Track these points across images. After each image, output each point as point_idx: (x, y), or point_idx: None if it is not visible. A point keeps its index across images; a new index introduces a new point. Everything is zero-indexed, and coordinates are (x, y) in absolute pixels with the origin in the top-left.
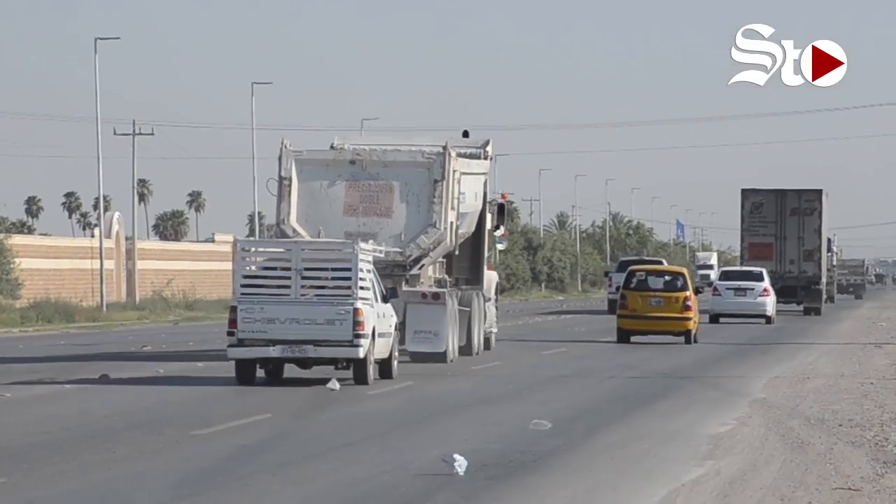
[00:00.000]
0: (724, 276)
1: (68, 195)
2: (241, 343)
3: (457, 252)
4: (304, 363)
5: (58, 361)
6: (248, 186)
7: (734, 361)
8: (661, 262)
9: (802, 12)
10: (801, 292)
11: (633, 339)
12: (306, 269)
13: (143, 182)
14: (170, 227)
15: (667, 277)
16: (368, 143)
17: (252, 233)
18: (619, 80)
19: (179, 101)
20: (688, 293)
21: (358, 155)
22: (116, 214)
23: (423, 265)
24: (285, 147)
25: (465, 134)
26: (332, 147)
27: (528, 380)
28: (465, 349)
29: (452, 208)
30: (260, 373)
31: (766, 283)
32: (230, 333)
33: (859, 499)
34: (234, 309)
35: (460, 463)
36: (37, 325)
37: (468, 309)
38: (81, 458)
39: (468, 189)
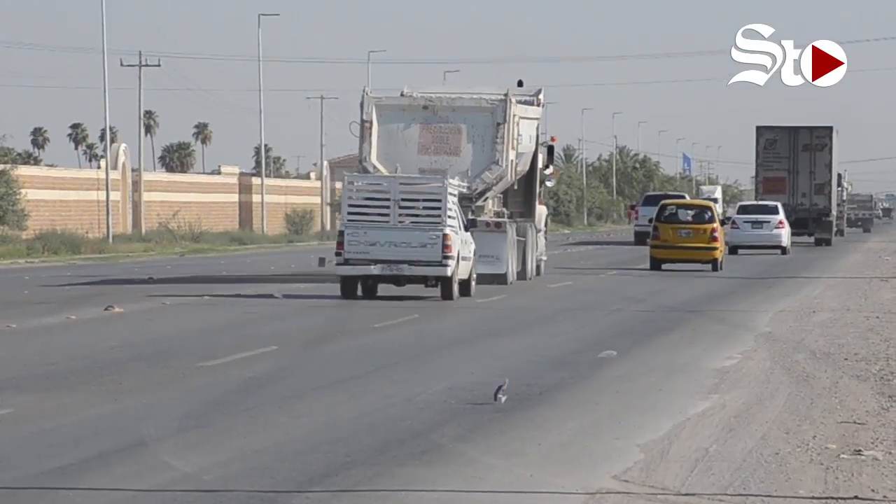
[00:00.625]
0: (742, 209)
1: (74, 126)
2: (346, 262)
3: (515, 187)
4: (398, 281)
5: (63, 292)
6: (255, 119)
7: (741, 295)
8: (683, 197)
9: (802, 12)
10: (812, 224)
11: (664, 266)
12: (403, 199)
13: (149, 114)
14: (176, 159)
15: (695, 211)
16: (436, 91)
17: (258, 165)
18: (627, 12)
19: (186, 32)
20: (715, 225)
21: (430, 101)
22: (123, 146)
23: (486, 198)
24: (366, 94)
25: (520, 83)
26: (401, 95)
27: (537, 314)
28: (521, 274)
29: (512, 148)
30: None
31: (782, 216)
32: (338, 254)
33: (864, 432)
34: (341, 233)
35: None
36: (43, 256)
37: (523, 238)
38: (88, 389)
39: (524, 132)
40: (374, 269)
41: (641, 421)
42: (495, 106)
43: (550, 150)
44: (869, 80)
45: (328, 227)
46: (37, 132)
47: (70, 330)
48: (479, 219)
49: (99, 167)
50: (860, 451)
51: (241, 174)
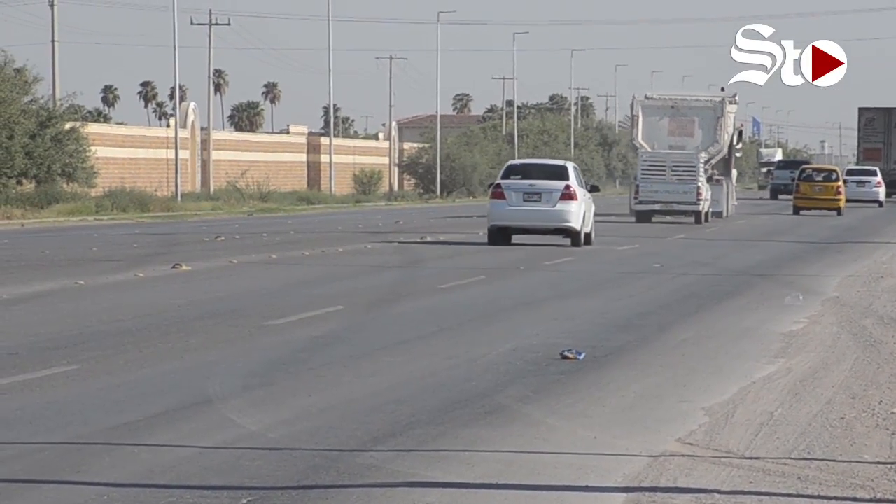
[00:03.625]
0: (848, 173)
1: (144, 84)
2: (640, 203)
3: (725, 157)
4: (669, 214)
5: (131, 250)
6: (324, 78)
7: (809, 260)
8: (808, 164)
9: (802, 12)
10: None
11: (801, 212)
12: (674, 165)
13: (218, 73)
14: (245, 118)
15: (826, 173)
16: (677, 94)
17: (326, 125)
18: None
19: None
20: (839, 183)
21: (675, 102)
22: (192, 105)
23: (710, 164)
24: (635, 97)
25: (723, 89)
26: (645, 97)
27: (602, 275)
28: (718, 214)
29: (725, 132)
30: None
31: (879, 178)
32: (635, 199)
33: None
34: (636, 187)
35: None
36: (111, 213)
37: (726, 190)
38: (154, 346)
39: (729, 121)
40: (657, 207)
41: (706, 384)
42: (716, 104)
43: (740, 133)
44: None
45: (396, 187)
46: (107, 90)
47: (137, 287)
48: (712, 176)
49: (168, 125)
50: None
51: (310, 134)
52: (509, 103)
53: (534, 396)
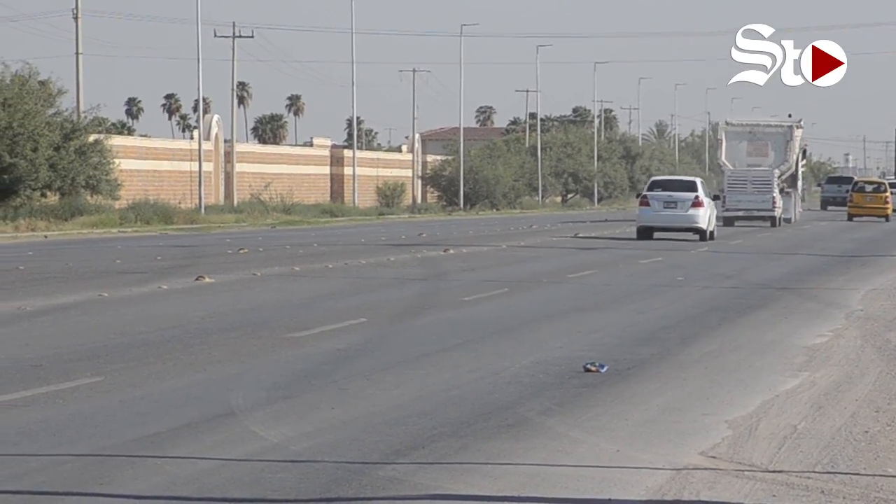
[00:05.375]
0: (892, 185)
1: (168, 97)
2: (727, 210)
3: (793, 173)
4: (750, 219)
5: (155, 262)
6: (347, 91)
7: (833, 273)
8: (852, 178)
9: (802, 12)
10: None
11: (854, 219)
12: (753, 180)
13: (242, 85)
14: (268, 130)
15: (875, 185)
16: (754, 120)
17: (350, 137)
18: None
19: (279, 4)
20: (887, 194)
21: (753, 127)
22: (216, 117)
23: (781, 179)
24: (720, 123)
25: (790, 115)
26: (727, 124)
27: (625, 288)
28: (788, 220)
29: (794, 152)
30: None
31: None
32: (724, 207)
33: None
34: (724, 198)
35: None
36: (135, 226)
37: (794, 200)
38: (176, 358)
39: (797, 143)
40: (739, 213)
41: (730, 397)
42: (786, 129)
43: (804, 152)
44: None
45: (419, 199)
46: (131, 102)
47: (160, 300)
48: (783, 189)
49: (192, 138)
50: None
51: (333, 146)
52: (532, 116)
53: (557, 409)
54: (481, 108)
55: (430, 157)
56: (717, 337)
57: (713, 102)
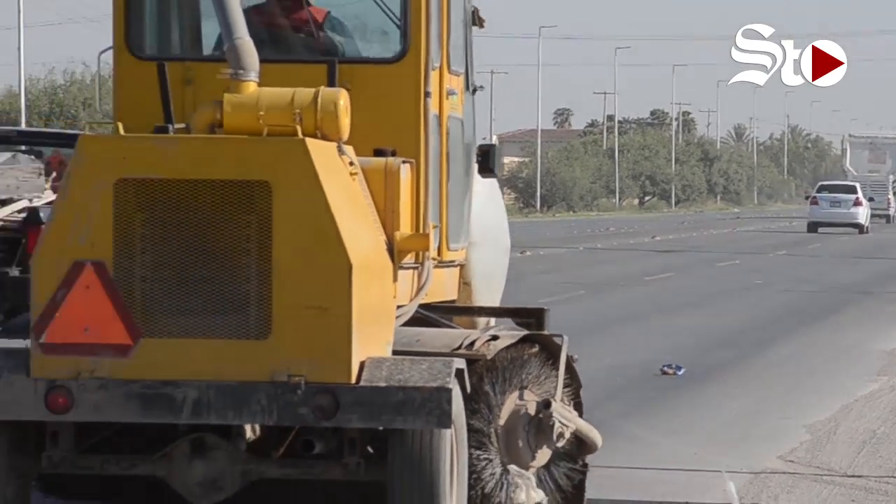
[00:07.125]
0: None
1: None
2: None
3: None
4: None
5: None
6: None
7: None
8: None
9: (802, 12)
10: None
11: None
12: (871, 184)
13: None
14: None
15: None
16: (873, 134)
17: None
18: None
19: None
20: None
21: (873, 139)
22: None
23: (894, 184)
24: (845, 136)
25: None
26: (851, 136)
27: (703, 291)
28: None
29: None
30: None
31: None
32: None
33: None
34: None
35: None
36: None
37: None
38: None
39: None
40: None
41: (808, 401)
42: None
43: None
44: None
45: None
46: None
47: None
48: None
49: None
50: None
51: None
52: (610, 118)
53: (633, 412)
54: (559, 110)
55: (507, 159)
56: (795, 341)
57: (792, 106)
